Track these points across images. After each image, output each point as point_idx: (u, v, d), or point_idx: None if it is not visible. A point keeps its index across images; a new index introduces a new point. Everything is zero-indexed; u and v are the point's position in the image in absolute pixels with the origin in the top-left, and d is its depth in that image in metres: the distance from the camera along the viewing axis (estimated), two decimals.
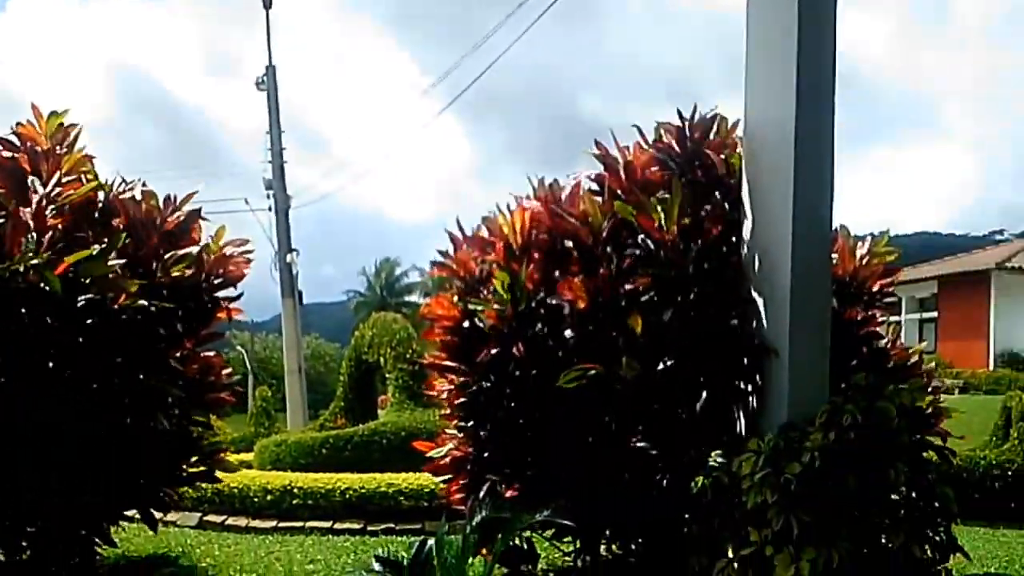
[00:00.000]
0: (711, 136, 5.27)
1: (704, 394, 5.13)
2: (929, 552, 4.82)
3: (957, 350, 30.37)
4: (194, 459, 6.75)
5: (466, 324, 5.57)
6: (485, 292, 5.53)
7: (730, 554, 4.80)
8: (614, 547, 5.96)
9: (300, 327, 26.44)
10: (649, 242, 5.03)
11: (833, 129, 4.82)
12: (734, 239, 5.17)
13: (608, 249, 5.11)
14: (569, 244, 5.35)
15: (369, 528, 9.69)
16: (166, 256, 6.10)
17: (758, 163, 5.03)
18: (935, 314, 32.75)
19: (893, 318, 33.38)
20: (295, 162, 78.83)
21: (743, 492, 4.69)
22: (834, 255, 5.24)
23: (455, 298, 5.62)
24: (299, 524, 9.94)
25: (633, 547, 5.87)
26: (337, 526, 9.81)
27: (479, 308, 5.41)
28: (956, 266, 32.46)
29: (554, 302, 5.25)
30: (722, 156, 5.24)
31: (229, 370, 6.94)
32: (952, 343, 31.04)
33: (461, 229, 5.88)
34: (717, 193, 5.20)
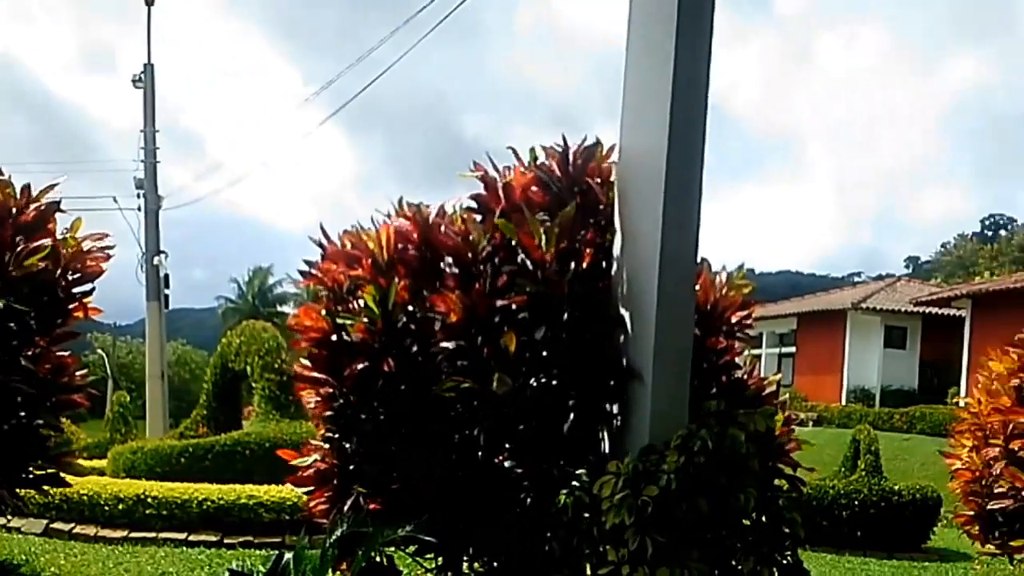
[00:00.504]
0: (592, 163, 5.38)
1: (572, 414, 5.22)
2: (777, 575, 5.02)
3: (813, 384, 31.70)
4: (39, 461, 6.45)
5: (334, 337, 5.50)
6: (354, 305, 5.49)
7: (588, 572, 4.89)
8: (476, 564, 5.98)
9: (165, 332, 25.68)
10: (528, 261, 5.10)
11: (702, 163, 4.99)
12: (605, 264, 5.29)
13: (486, 267, 5.16)
14: (446, 261, 5.37)
15: (226, 541, 9.47)
16: (19, 249, 5.84)
17: (630, 192, 5.17)
18: (793, 349, 34.13)
19: (755, 351, 34.59)
20: (170, 163, 76.59)
21: (603, 512, 4.79)
22: (697, 286, 5.42)
23: (323, 310, 5.55)
24: (152, 535, 9.64)
25: (496, 564, 5.90)
26: (192, 538, 9.55)
27: (348, 322, 5.36)
28: (815, 304, 33.94)
29: (427, 316, 5.25)
30: (599, 182, 5.36)
31: (84, 372, 6.67)
32: (809, 377, 32.39)
33: (327, 237, 5.79)
34: (593, 219, 5.32)
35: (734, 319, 5.51)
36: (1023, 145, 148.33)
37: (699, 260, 5.16)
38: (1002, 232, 72.96)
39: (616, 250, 5.23)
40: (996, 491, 7.58)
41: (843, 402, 30.18)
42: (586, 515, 4.95)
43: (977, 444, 7.97)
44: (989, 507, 7.67)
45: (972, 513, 8.04)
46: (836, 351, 31.50)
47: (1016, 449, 7.39)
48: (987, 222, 79.86)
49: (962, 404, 8.65)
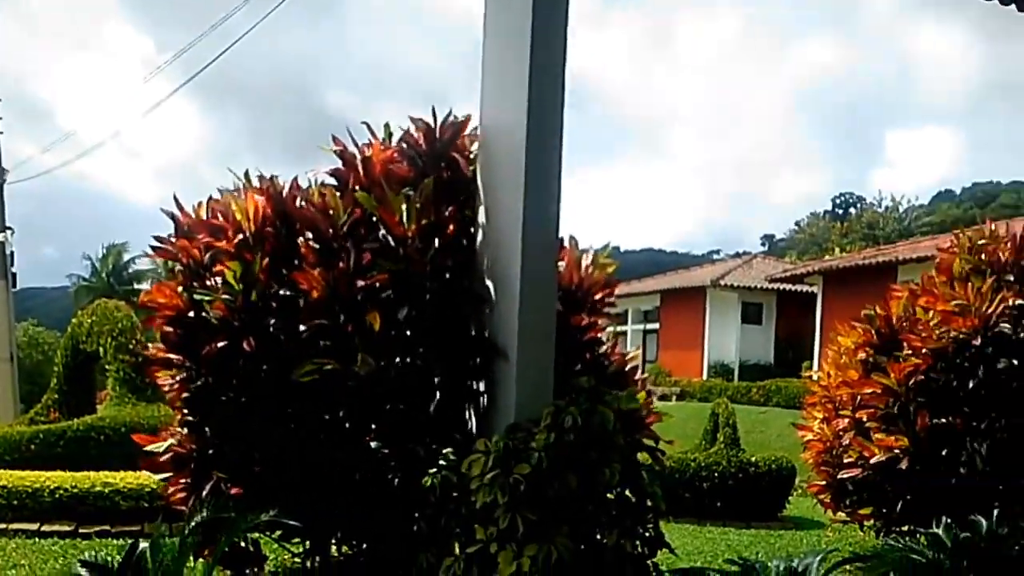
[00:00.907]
0: (459, 138, 5.34)
1: (438, 393, 5.20)
2: (639, 547, 5.13)
3: (676, 359, 32.61)
4: None
5: (191, 314, 5.29)
6: (212, 281, 5.30)
7: (457, 552, 4.88)
8: (345, 548, 5.91)
9: (13, 312, 24.42)
10: (390, 238, 5.03)
11: (561, 140, 5.01)
12: (468, 240, 5.27)
13: (348, 243, 5.05)
14: (306, 237, 5.24)
15: (81, 531, 9.07)
16: None
17: (492, 168, 5.16)
18: (657, 325, 35.01)
19: (620, 328, 35.37)
20: (14, 134, 72.42)
21: (472, 492, 4.79)
22: (561, 264, 5.46)
23: (179, 287, 5.33)
24: (2, 526, 9.15)
25: (364, 546, 5.84)
26: (45, 528, 9.11)
27: (206, 298, 5.17)
28: (676, 282, 34.87)
29: (289, 294, 5.12)
30: (466, 157, 5.33)
31: None
32: (672, 353, 33.31)
33: (182, 209, 5.55)
34: (459, 194, 5.28)
35: (598, 296, 5.58)
36: (872, 127, 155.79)
37: (565, 238, 5.21)
38: (852, 211, 76.42)
39: (480, 227, 5.22)
40: (846, 461, 7.93)
41: (705, 376, 31.16)
42: (454, 494, 4.94)
43: (828, 416, 8.33)
44: (839, 476, 8.02)
45: (824, 482, 8.41)
46: (697, 327, 32.49)
47: (864, 420, 7.76)
48: (838, 201, 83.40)
49: (814, 377, 9.00)
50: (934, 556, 6.28)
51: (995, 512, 6.52)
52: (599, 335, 5.65)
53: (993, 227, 8.16)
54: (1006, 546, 6.12)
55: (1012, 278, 7.63)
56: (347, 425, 5.29)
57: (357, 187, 5.20)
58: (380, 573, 5.49)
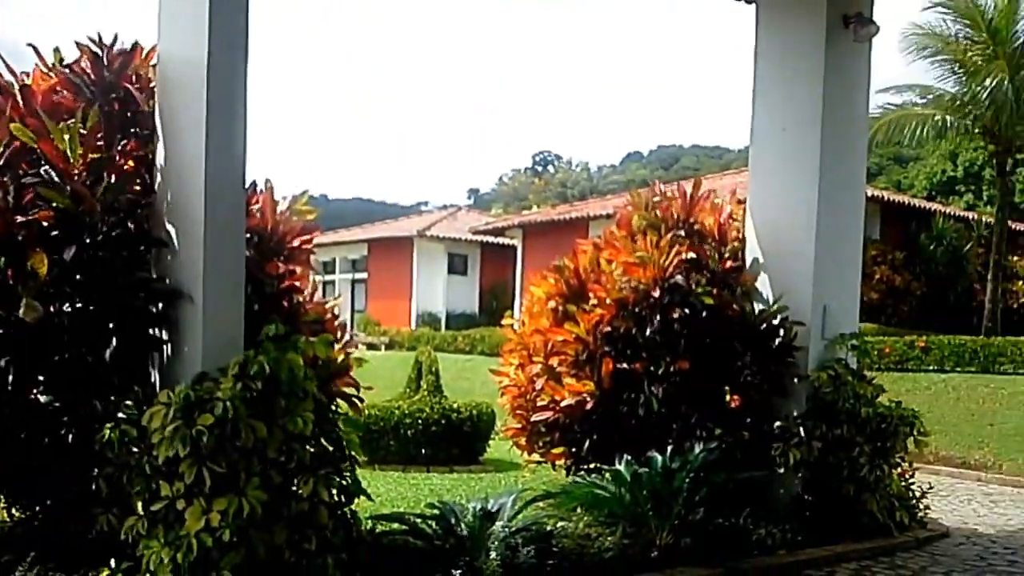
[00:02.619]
0: (130, 67, 4.93)
1: (115, 342, 4.84)
2: (337, 495, 5.08)
3: (385, 309, 32.71)
4: None
5: None
6: None
7: (141, 510, 4.63)
8: (16, 511, 5.42)
9: None
10: (54, 172, 4.57)
11: (246, 74, 4.78)
12: (150, 179, 4.92)
13: (5, 178, 4.55)
14: None
15: None
16: None
17: (172, 102, 4.84)
18: (366, 275, 34.93)
19: (328, 277, 34.98)
20: None
21: (155, 446, 4.54)
22: (255, 207, 5.25)
23: None
24: None
25: (37, 509, 5.38)
26: None
27: None
28: (384, 231, 34.94)
29: None
30: (141, 89, 4.94)
31: None
32: (381, 302, 33.37)
33: None
34: (139, 129, 4.89)
35: (295, 243, 5.41)
36: (571, 85, 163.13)
37: (260, 182, 4.99)
38: (550, 168, 80.00)
39: (161, 164, 4.88)
40: (539, 405, 8.27)
41: (413, 326, 31.53)
42: (135, 449, 4.67)
43: (522, 362, 8.64)
44: (533, 419, 8.36)
45: (519, 426, 8.73)
46: (405, 277, 32.77)
47: (555, 366, 8.13)
48: (537, 158, 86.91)
49: (511, 324, 9.27)
50: (616, 490, 6.75)
51: (669, 448, 7.10)
52: (297, 283, 5.49)
53: (663, 187, 8.78)
54: (677, 477, 6.67)
55: (683, 233, 8.24)
56: (11, 378, 4.79)
57: (16, 117, 4.68)
58: (55, 536, 5.08)
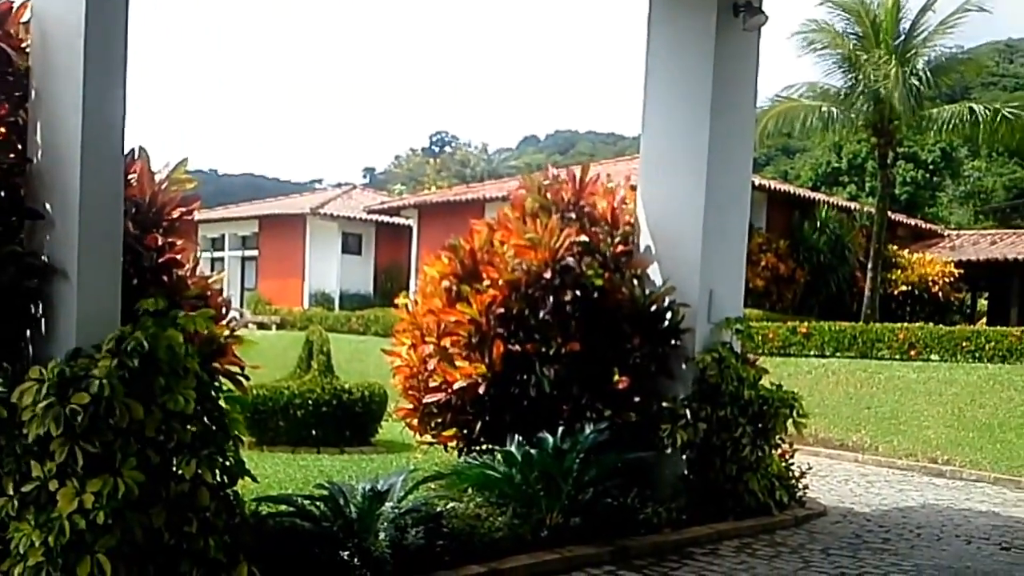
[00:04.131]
0: (3, 25, 4.66)
1: None
2: (219, 476, 4.95)
3: (277, 288, 32.16)
4: None
5: None
6: None
7: (11, 491, 4.44)
8: None
9: None
10: None
11: (126, 37, 4.58)
12: (22, 146, 4.68)
13: None
14: None
15: None
16: None
17: (47, 63, 4.61)
18: (256, 253, 34.22)
19: (217, 254, 34.19)
20: None
21: (25, 423, 4.35)
22: (132, 176, 5.04)
23: None
24: None
25: None
26: None
27: None
28: (276, 208, 34.30)
29: None
30: (13, 49, 4.68)
31: None
32: (273, 281, 32.78)
33: None
34: (12, 91, 4.64)
35: (175, 215, 5.22)
36: (469, 67, 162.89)
37: (136, 150, 4.79)
38: (447, 148, 79.58)
39: (35, 129, 4.64)
40: (431, 386, 8.23)
41: (305, 306, 31.06)
42: (5, 429, 4.45)
43: (415, 343, 8.58)
44: (425, 400, 8.31)
45: (411, 407, 8.67)
46: (298, 256, 32.23)
47: (447, 346, 8.11)
48: (435, 139, 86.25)
49: (405, 304, 9.14)
50: (507, 470, 6.78)
51: (560, 429, 7.16)
52: (178, 256, 5.30)
53: (556, 170, 8.85)
54: (567, 458, 6.74)
55: (574, 216, 8.32)
56: None
57: None
58: None
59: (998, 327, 17.11)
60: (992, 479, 11.18)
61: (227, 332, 5.17)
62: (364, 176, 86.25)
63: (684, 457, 7.80)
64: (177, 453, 4.67)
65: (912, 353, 15.72)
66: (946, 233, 30.01)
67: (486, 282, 8.01)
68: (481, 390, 7.78)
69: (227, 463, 4.98)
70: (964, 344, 15.37)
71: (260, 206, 35.91)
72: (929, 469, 11.81)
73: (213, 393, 4.94)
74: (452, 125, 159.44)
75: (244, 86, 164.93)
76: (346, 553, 5.40)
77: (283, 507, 5.83)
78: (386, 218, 31.52)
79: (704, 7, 8.17)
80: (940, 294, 23.83)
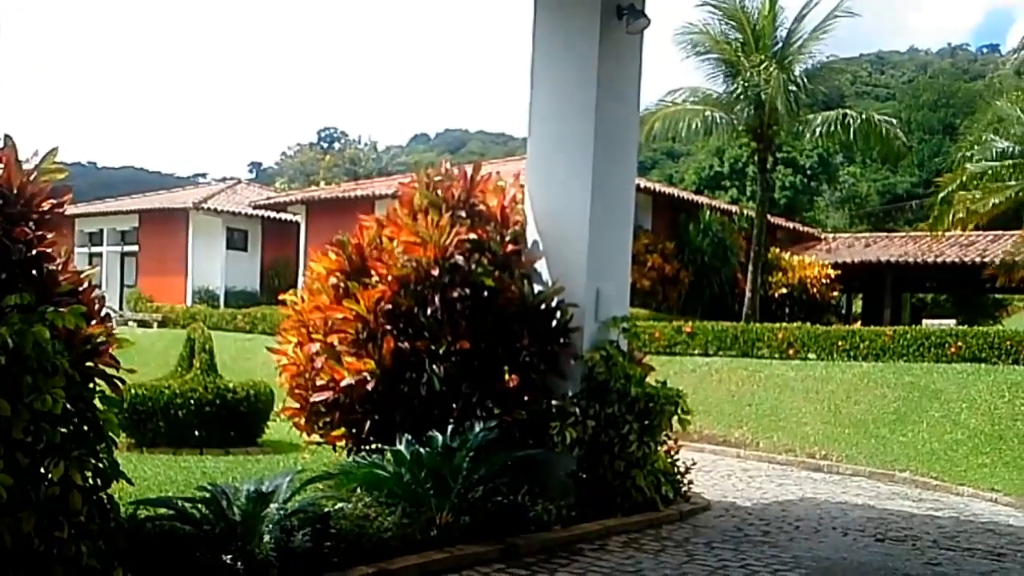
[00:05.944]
0: None
1: None
2: (91, 479, 4.75)
3: (159, 285, 31.15)
4: None
5: None
6: None
7: None
8: None
9: None
10: None
11: None
12: None
13: None
14: None
15: None
16: None
17: None
18: (136, 248, 33.07)
19: (96, 249, 32.89)
20: None
21: None
22: None
23: None
24: None
25: None
26: None
27: None
28: (157, 202, 33.16)
29: None
30: None
31: None
32: (154, 278, 31.72)
33: None
34: None
35: (45, 207, 4.96)
36: (358, 62, 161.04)
37: (2, 139, 4.53)
38: (336, 144, 78.54)
39: None
40: (318, 384, 8.07)
41: (189, 303, 30.16)
42: None
43: (301, 340, 8.40)
44: (312, 399, 8.14)
45: (298, 406, 8.48)
46: (180, 251, 31.24)
47: (335, 343, 7.96)
48: (323, 134, 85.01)
49: (288, 302, 8.91)
50: (396, 469, 6.71)
51: (449, 427, 7.12)
52: (49, 250, 5.04)
53: (448, 166, 8.80)
54: (457, 456, 6.70)
55: (464, 214, 8.28)
56: None
57: None
58: None
59: (872, 327, 17.74)
60: (867, 473, 11.65)
61: (102, 331, 4.93)
62: (250, 171, 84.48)
63: (573, 454, 7.86)
64: (46, 455, 4.48)
65: (791, 352, 16.20)
66: (823, 236, 31.10)
67: (375, 278, 7.92)
68: (370, 387, 7.68)
69: (100, 465, 4.81)
70: (840, 343, 15.90)
71: (141, 200, 34.65)
72: (807, 464, 12.23)
73: (86, 393, 4.73)
74: (341, 121, 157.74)
75: (126, 77, 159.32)
76: (229, 557, 5.26)
77: (162, 510, 5.64)
78: (273, 214, 30.86)
79: (587, 10, 8.27)
80: (817, 295, 24.66)
